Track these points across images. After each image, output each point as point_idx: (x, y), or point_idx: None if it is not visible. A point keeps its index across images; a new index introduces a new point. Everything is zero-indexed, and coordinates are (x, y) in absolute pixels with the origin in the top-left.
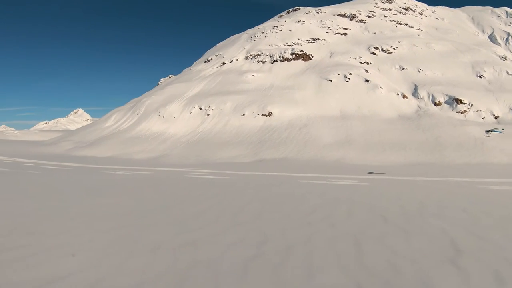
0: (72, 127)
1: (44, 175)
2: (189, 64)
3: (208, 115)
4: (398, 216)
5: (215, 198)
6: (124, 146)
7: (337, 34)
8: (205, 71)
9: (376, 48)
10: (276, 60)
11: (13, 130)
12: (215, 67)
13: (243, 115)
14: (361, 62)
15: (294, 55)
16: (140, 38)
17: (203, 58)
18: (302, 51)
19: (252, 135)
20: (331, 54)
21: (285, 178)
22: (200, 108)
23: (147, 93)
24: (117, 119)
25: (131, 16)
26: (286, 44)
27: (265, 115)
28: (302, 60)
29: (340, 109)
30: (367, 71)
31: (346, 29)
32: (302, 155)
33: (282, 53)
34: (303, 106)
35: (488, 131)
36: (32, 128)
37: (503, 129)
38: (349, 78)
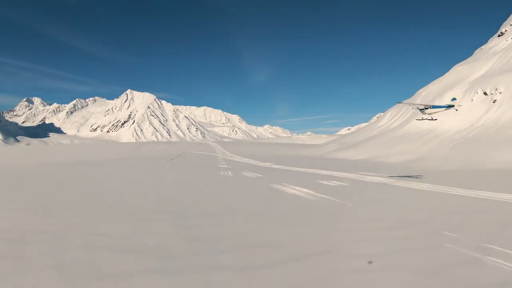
0: None
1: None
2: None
3: (494, 101)
4: None
5: None
6: (383, 147)
7: None
8: (497, 46)
9: None
10: None
11: (301, 135)
12: (509, 38)
13: None
14: None
15: None
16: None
17: (498, 32)
18: None
19: None
20: None
21: None
22: (485, 93)
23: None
24: (391, 117)
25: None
26: None
27: None
28: None
29: None
30: None
31: None
32: None
33: None
34: None
35: (424, 108)
36: (335, 134)
37: (454, 100)
38: None
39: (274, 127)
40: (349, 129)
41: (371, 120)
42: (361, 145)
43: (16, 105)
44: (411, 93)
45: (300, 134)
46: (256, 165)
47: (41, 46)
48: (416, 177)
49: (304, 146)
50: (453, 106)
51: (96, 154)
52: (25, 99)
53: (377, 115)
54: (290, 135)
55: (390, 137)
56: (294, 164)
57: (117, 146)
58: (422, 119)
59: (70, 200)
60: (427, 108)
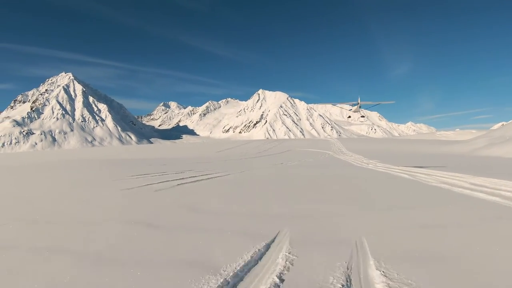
0: None
1: None
2: None
3: None
4: None
5: None
6: None
7: None
8: None
9: None
10: None
11: (446, 132)
12: None
13: None
14: None
15: None
16: None
17: None
18: None
19: None
20: None
21: None
22: None
23: None
24: None
25: None
26: None
27: None
28: None
29: None
30: None
31: None
32: None
33: None
34: None
35: (353, 105)
36: (489, 129)
37: (358, 98)
38: None
39: (417, 124)
40: (503, 124)
41: None
42: None
43: (154, 110)
44: None
45: (450, 131)
46: (344, 162)
47: (177, 54)
48: None
49: (446, 143)
50: (357, 104)
51: (192, 151)
52: (162, 103)
53: None
54: (434, 132)
55: None
56: (405, 163)
57: (225, 143)
58: (349, 117)
59: None
60: (353, 106)
